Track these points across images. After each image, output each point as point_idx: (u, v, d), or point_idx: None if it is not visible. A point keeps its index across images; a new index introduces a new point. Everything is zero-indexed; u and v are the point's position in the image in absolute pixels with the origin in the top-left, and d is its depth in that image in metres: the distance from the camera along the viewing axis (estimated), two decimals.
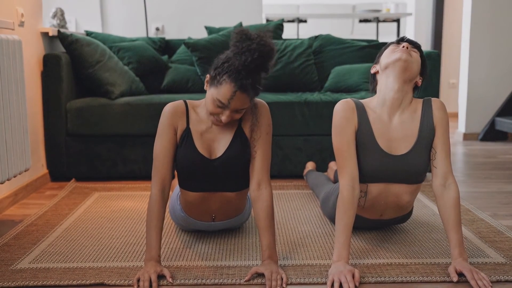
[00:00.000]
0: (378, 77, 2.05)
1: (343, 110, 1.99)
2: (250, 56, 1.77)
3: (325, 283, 1.76)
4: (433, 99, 2.02)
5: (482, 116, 4.81)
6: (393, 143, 1.98)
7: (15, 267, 1.90)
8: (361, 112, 2.00)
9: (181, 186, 2.05)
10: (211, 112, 1.88)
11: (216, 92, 1.83)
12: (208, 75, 1.90)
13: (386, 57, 2.00)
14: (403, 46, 1.98)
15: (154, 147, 1.97)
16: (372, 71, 2.09)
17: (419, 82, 2.03)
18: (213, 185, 2.01)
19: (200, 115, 1.98)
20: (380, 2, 7.14)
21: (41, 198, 2.89)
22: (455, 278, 1.75)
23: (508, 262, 1.92)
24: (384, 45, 2.27)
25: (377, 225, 2.24)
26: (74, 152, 3.21)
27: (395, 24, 6.27)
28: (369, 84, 2.16)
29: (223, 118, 1.86)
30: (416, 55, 2.00)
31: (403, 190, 2.02)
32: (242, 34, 1.80)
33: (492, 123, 4.71)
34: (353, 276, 1.75)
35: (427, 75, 2.06)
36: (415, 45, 2.03)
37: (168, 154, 1.96)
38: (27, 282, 1.77)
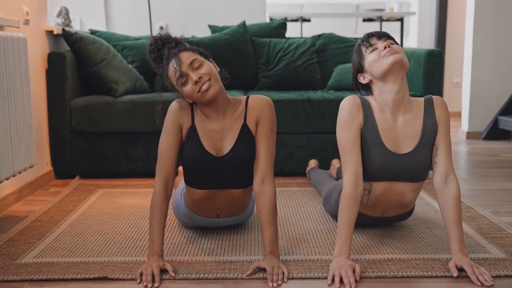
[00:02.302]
0: (373, 86, 2.02)
1: (348, 106, 1.98)
2: (151, 42, 1.99)
3: (326, 278, 1.78)
4: (434, 97, 2.03)
5: (485, 115, 4.81)
6: (398, 142, 1.98)
7: (20, 261, 1.93)
8: (367, 109, 1.99)
9: (187, 183, 2.07)
10: (192, 91, 1.91)
11: (173, 78, 1.92)
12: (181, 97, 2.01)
13: (376, 66, 1.95)
14: (385, 47, 1.94)
15: (159, 144, 1.99)
16: (364, 81, 2.03)
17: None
18: (219, 182, 2.02)
19: (205, 112, 2.00)
20: (383, 1, 7.14)
21: (46, 195, 2.92)
22: (455, 273, 1.76)
23: (508, 258, 1.93)
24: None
25: (379, 223, 2.25)
26: (78, 150, 3.24)
27: (398, 23, 6.27)
28: (357, 90, 2.12)
29: (194, 78, 1.88)
30: (397, 45, 1.98)
31: (407, 188, 2.03)
32: None
33: (495, 122, 4.71)
34: (354, 271, 1.76)
35: None
36: (386, 36, 2.00)
37: (172, 151, 1.98)
38: (32, 276, 1.79)
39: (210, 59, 1.99)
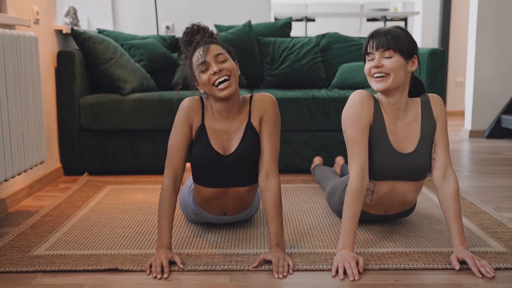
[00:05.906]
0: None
1: (360, 99, 1.98)
2: (188, 26, 2.09)
3: (330, 270, 1.82)
4: (430, 95, 2.06)
5: (488, 113, 4.84)
6: (401, 142, 2.01)
7: (32, 254, 1.98)
8: (377, 106, 2.00)
9: (195, 181, 2.11)
10: (208, 80, 1.96)
11: (196, 63, 1.98)
12: (195, 83, 2.05)
13: (368, 80, 2.00)
14: (375, 66, 1.93)
15: (169, 139, 2.04)
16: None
17: (414, 65, 1.96)
18: (227, 181, 2.06)
19: (216, 109, 2.05)
20: (387, 1, 7.18)
21: (55, 191, 2.97)
22: (457, 266, 1.80)
23: (508, 251, 1.97)
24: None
25: (381, 220, 2.29)
26: (86, 147, 3.29)
27: (402, 23, 6.31)
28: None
29: (214, 68, 1.94)
30: (391, 61, 1.92)
31: (409, 188, 2.06)
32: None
33: (498, 121, 4.75)
34: (357, 263, 1.80)
35: (417, 51, 1.98)
36: (386, 45, 1.92)
37: (182, 147, 2.03)
38: (45, 267, 1.84)
39: (236, 62, 2.05)
